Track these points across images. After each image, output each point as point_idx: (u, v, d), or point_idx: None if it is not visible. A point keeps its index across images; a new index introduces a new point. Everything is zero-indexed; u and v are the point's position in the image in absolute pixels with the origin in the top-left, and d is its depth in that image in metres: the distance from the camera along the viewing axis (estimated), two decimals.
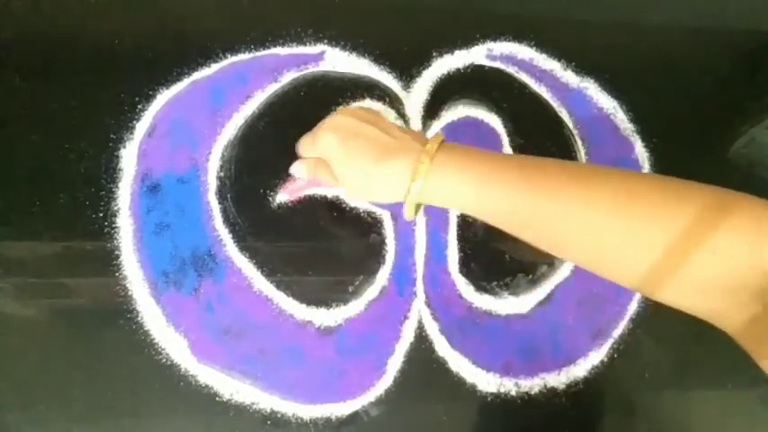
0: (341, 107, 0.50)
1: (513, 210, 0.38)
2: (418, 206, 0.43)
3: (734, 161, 0.58)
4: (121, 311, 0.45)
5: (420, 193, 0.40)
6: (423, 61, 0.54)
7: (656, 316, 0.53)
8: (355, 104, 0.51)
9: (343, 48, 0.53)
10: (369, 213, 0.50)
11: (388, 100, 0.52)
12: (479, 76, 0.54)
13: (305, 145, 0.46)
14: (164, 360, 0.45)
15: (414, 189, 0.40)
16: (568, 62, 0.56)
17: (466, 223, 0.52)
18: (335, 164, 0.43)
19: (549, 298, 0.52)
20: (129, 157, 0.48)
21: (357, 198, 0.49)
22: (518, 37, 0.56)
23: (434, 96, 0.53)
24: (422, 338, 0.49)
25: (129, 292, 0.46)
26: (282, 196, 0.49)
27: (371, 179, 0.41)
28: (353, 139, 0.42)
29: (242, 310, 0.47)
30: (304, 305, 0.48)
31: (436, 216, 0.51)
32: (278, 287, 0.48)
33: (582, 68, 0.56)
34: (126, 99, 0.49)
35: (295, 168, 0.47)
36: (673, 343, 0.53)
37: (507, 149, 0.53)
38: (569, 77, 0.56)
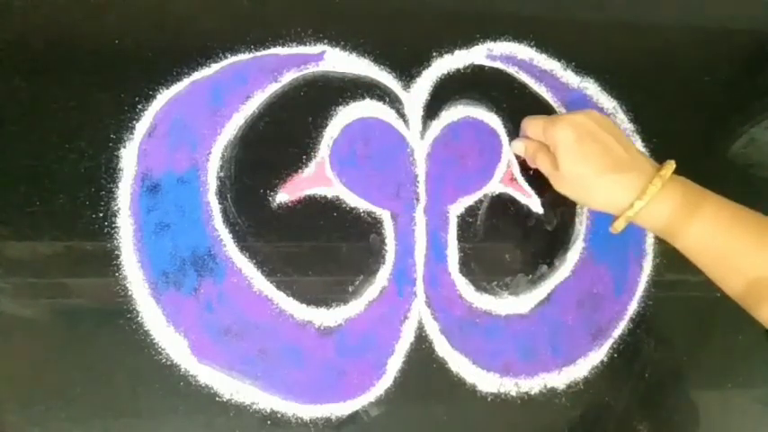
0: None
1: (720, 255, 0.42)
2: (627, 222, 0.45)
3: (734, 161, 0.58)
4: (121, 311, 0.45)
5: (639, 212, 0.43)
6: (423, 61, 0.54)
7: (656, 316, 0.53)
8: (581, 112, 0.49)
9: (343, 48, 0.53)
10: (369, 213, 0.50)
11: (388, 100, 0.52)
12: (479, 76, 0.54)
13: (536, 126, 0.48)
14: (164, 360, 0.45)
15: (637, 206, 0.42)
16: (568, 62, 0.56)
17: (466, 223, 0.52)
18: (564, 158, 0.45)
19: (548, 298, 0.52)
20: (129, 157, 0.48)
21: (567, 193, 0.48)
22: (518, 37, 0.56)
23: (434, 96, 0.53)
24: (422, 338, 0.49)
25: (129, 292, 0.46)
26: (282, 196, 0.49)
27: (595, 185, 0.44)
28: (591, 143, 0.44)
29: (242, 310, 0.47)
30: (304, 305, 0.48)
31: (436, 216, 0.51)
32: (278, 287, 0.48)
33: (582, 68, 0.56)
34: (126, 99, 0.49)
35: (516, 145, 0.52)
36: (673, 343, 0.54)
37: (507, 149, 0.53)
38: (569, 77, 0.56)
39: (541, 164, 0.48)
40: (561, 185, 0.47)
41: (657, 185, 0.42)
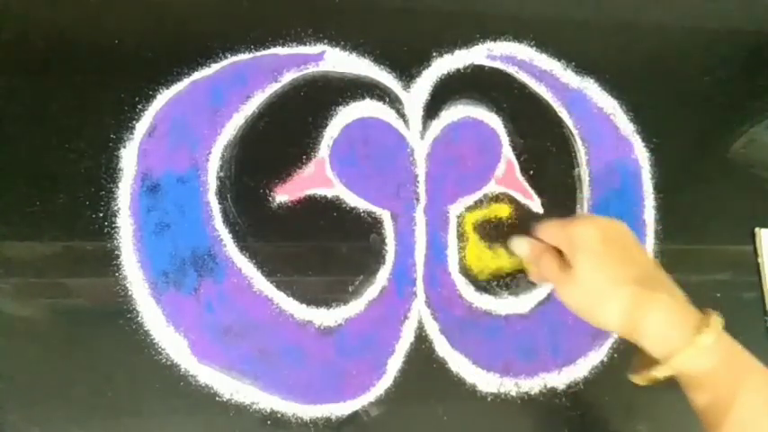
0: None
1: (736, 412, 0.36)
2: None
3: (734, 161, 0.58)
4: (121, 311, 0.45)
5: (691, 356, 0.36)
6: (423, 61, 0.54)
7: None
8: None
9: (343, 48, 0.53)
10: (369, 213, 0.50)
11: (388, 100, 0.52)
12: (479, 76, 0.54)
13: (550, 227, 0.43)
14: (164, 360, 0.45)
15: (681, 358, 0.36)
16: (568, 62, 0.56)
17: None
18: (583, 259, 0.39)
19: (549, 298, 0.52)
20: (129, 157, 0.48)
21: (573, 302, 0.42)
22: (518, 37, 0.56)
23: (434, 96, 0.53)
24: (422, 338, 0.49)
25: (129, 292, 0.46)
26: (282, 196, 0.49)
27: (610, 297, 0.38)
28: (616, 248, 0.39)
29: (242, 310, 0.47)
30: (304, 305, 0.48)
31: (436, 216, 0.51)
32: (278, 287, 0.48)
33: (582, 68, 0.56)
34: (126, 99, 0.49)
35: (518, 244, 0.47)
36: None
37: (507, 149, 0.53)
38: (569, 77, 0.56)
39: (547, 266, 0.43)
40: (569, 292, 0.41)
41: (710, 337, 0.36)
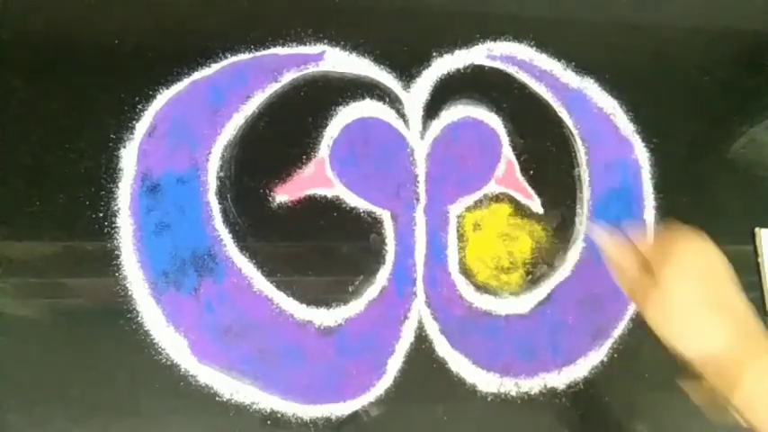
0: None
1: None
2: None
3: (734, 161, 0.58)
4: (121, 311, 0.45)
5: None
6: (423, 61, 0.54)
7: None
8: None
9: (343, 48, 0.53)
10: (369, 213, 0.50)
11: (388, 100, 0.52)
12: (479, 76, 0.54)
13: (642, 240, 0.41)
14: (164, 360, 0.45)
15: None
16: (568, 62, 0.56)
17: None
18: (673, 270, 0.37)
19: (548, 298, 0.52)
20: (129, 157, 0.48)
21: (654, 320, 0.39)
22: (518, 37, 0.56)
23: (434, 96, 0.53)
24: (422, 338, 0.49)
25: (129, 292, 0.46)
26: (282, 196, 0.49)
27: (696, 322, 0.36)
28: (714, 272, 0.37)
29: (242, 310, 0.47)
30: (304, 305, 0.48)
31: (436, 216, 0.51)
32: (278, 287, 0.48)
33: (582, 68, 0.56)
34: (126, 99, 0.49)
35: (599, 234, 0.43)
36: None
37: (507, 149, 0.53)
38: (569, 77, 0.56)
39: (630, 267, 0.40)
40: (653, 305, 0.38)
41: None
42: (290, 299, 0.48)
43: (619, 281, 0.42)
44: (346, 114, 0.51)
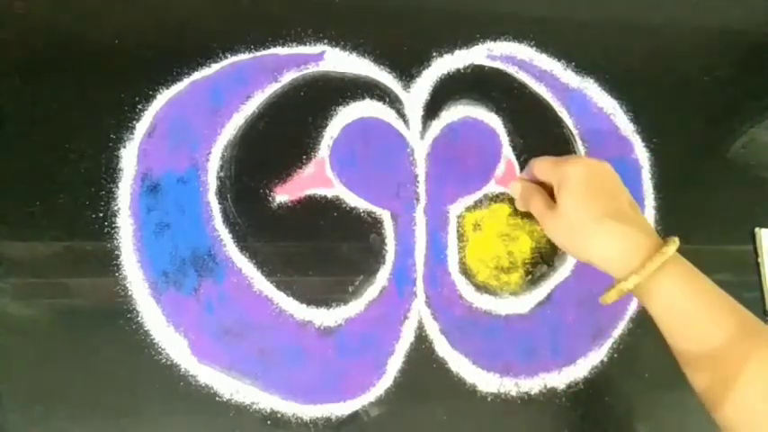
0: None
1: (697, 337, 0.38)
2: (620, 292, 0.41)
3: (734, 161, 0.58)
4: (121, 311, 0.45)
5: (643, 278, 0.39)
6: (423, 61, 0.54)
7: None
8: None
9: (343, 48, 0.53)
10: (369, 213, 0.50)
11: (388, 100, 0.52)
12: (479, 76, 0.54)
13: (544, 162, 0.46)
14: (164, 360, 0.45)
15: (632, 280, 0.39)
16: (568, 62, 0.56)
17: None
18: (568, 196, 0.42)
19: (549, 298, 0.52)
20: (129, 157, 0.48)
21: (557, 237, 0.44)
22: (518, 37, 0.56)
23: (434, 96, 0.53)
24: (422, 338, 0.49)
25: (129, 292, 0.46)
26: (282, 196, 0.49)
27: (592, 233, 0.41)
28: (599, 187, 0.42)
29: (242, 310, 0.47)
30: (304, 305, 0.48)
31: (436, 216, 0.51)
32: (278, 287, 0.48)
33: (582, 68, 0.56)
34: (126, 99, 0.49)
35: (513, 185, 0.50)
36: None
37: (507, 149, 0.53)
38: (569, 77, 0.56)
39: (535, 203, 0.46)
40: (554, 227, 0.44)
41: (656, 263, 0.38)
42: (290, 299, 0.48)
43: (532, 212, 0.47)
44: (346, 114, 0.51)
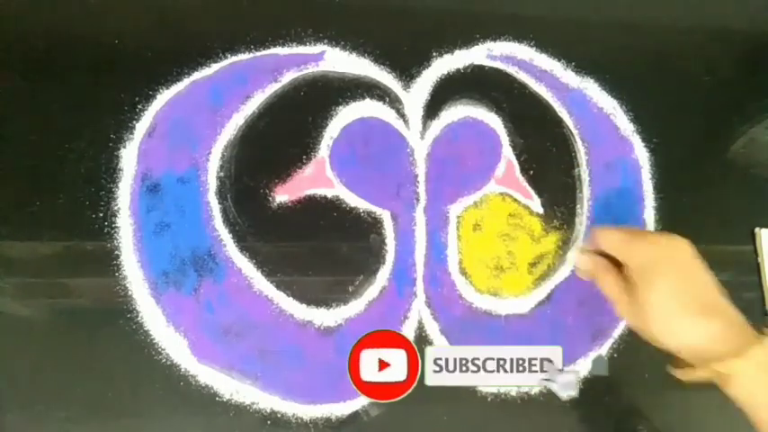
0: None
1: None
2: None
3: (734, 161, 0.58)
4: (121, 311, 0.45)
5: (743, 368, 0.37)
6: (423, 61, 0.54)
7: None
8: None
9: (343, 48, 0.53)
10: (369, 213, 0.50)
11: (388, 100, 0.52)
12: (479, 76, 0.54)
13: (611, 234, 0.43)
14: (164, 360, 0.45)
15: (737, 367, 0.37)
16: (568, 62, 0.56)
17: None
18: (650, 284, 0.39)
19: (549, 298, 0.52)
20: (129, 157, 0.48)
21: (637, 326, 0.42)
22: (518, 37, 0.56)
23: (434, 96, 0.53)
24: (422, 338, 0.49)
25: (129, 292, 0.46)
26: (282, 196, 0.49)
27: (680, 323, 0.38)
28: (686, 273, 0.39)
29: (242, 310, 0.47)
30: (304, 305, 0.48)
31: (436, 216, 0.51)
32: (278, 287, 0.48)
33: (582, 68, 0.56)
34: (126, 99, 0.49)
35: (580, 259, 0.46)
36: None
37: (507, 149, 0.53)
38: (569, 77, 0.56)
39: (609, 285, 0.42)
40: (633, 313, 0.41)
41: (760, 356, 0.37)
42: (290, 299, 0.48)
43: (603, 292, 0.44)
44: (346, 114, 0.51)
